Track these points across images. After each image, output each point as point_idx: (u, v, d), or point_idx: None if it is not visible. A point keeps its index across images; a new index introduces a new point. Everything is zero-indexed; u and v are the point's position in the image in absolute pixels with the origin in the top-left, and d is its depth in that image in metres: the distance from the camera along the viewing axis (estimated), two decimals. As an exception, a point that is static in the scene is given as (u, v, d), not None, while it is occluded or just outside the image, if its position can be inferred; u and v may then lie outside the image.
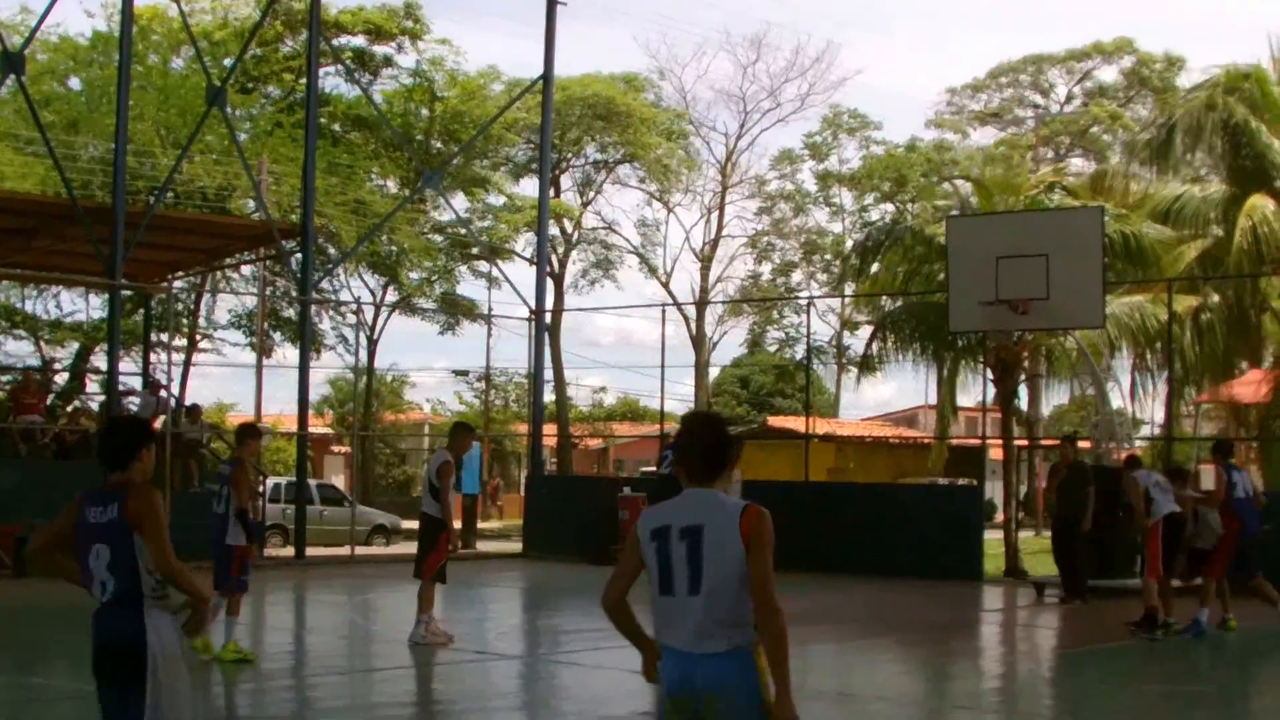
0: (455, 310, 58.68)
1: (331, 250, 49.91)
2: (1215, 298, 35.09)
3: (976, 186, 35.18)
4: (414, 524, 20.46)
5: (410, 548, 20.71)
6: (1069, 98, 77.90)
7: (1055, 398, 44.17)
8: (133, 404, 31.82)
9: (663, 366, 34.95)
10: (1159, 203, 34.84)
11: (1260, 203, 31.13)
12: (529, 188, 59.56)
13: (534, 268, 40.84)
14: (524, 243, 59.49)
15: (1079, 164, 68.21)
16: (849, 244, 67.97)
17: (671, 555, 6.08)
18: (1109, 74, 76.93)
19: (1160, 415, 40.57)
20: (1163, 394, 37.51)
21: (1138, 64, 75.04)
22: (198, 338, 52.15)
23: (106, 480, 7.41)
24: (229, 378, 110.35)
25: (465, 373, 70.21)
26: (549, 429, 43.45)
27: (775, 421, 59.80)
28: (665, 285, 69.88)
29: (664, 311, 39.55)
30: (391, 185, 55.56)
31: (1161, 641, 18.33)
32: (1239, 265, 31.46)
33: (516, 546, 35.64)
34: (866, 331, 67.44)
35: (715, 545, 6.05)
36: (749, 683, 6.03)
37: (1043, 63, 77.42)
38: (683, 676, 6.02)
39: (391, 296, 57.29)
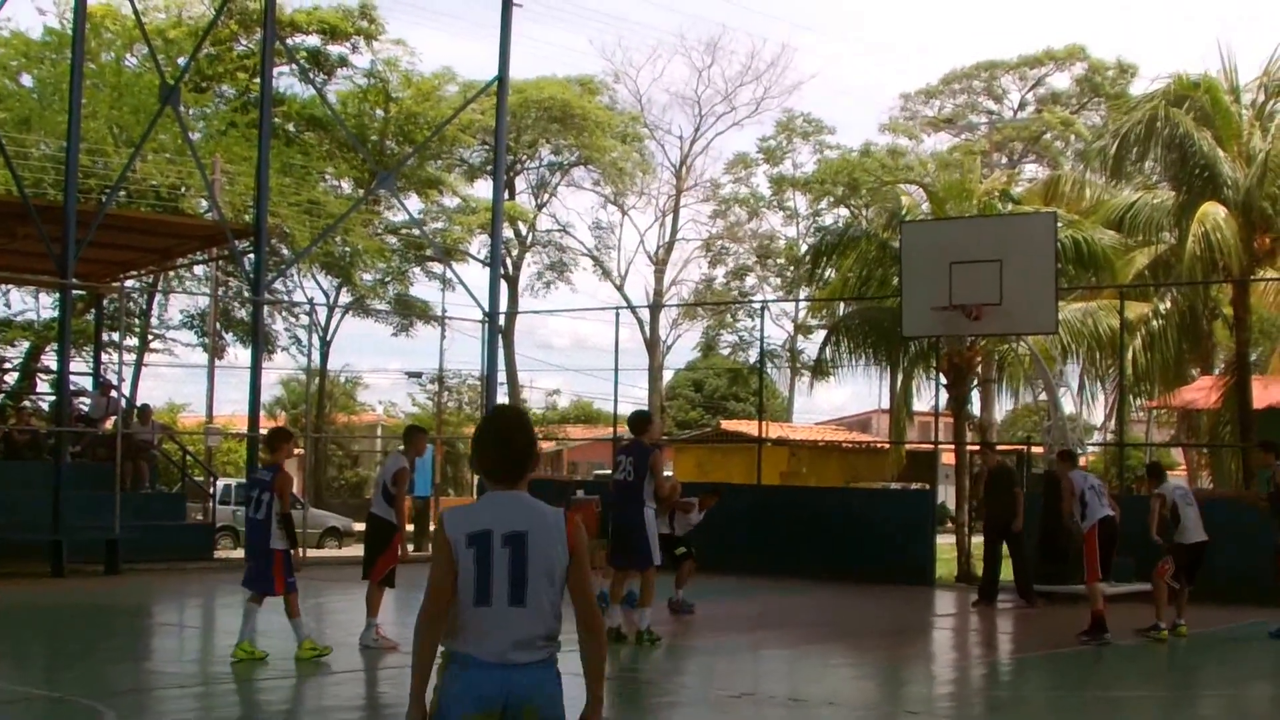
0: (409, 312, 58.65)
1: (285, 251, 49.73)
2: (1167, 304, 35.23)
3: (929, 192, 35.25)
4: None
5: (361, 550, 20.58)
6: (1022, 104, 78.28)
7: (1008, 403, 44.27)
8: (84, 404, 31.66)
9: (616, 370, 34.81)
10: (1112, 210, 34.98)
11: (1212, 210, 31.25)
12: (483, 190, 59.68)
13: (488, 270, 40.78)
14: (478, 245, 59.56)
15: (1032, 170, 68.62)
16: (803, 248, 68.18)
17: (493, 563, 5.75)
18: (1062, 81, 77.48)
19: (1112, 421, 40.75)
20: (1114, 400, 37.70)
21: (1090, 71, 75.48)
22: (150, 338, 51.93)
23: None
24: (181, 378, 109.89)
25: (419, 375, 70.09)
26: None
27: (729, 425, 59.87)
28: (619, 288, 70.07)
29: (618, 314, 39.51)
30: (345, 186, 55.48)
31: (1111, 647, 18.38)
32: (1191, 272, 31.60)
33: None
34: (820, 336, 67.93)
35: (541, 554, 5.79)
36: (559, 693, 5.83)
37: (996, 69, 77.77)
38: (495, 689, 5.70)
39: (345, 298, 57.22)
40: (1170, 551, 19.37)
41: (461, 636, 5.77)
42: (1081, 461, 30.97)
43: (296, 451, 64.95)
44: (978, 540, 27.05)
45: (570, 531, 5.86)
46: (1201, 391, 37.38)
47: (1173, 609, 19.55)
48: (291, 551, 15.82)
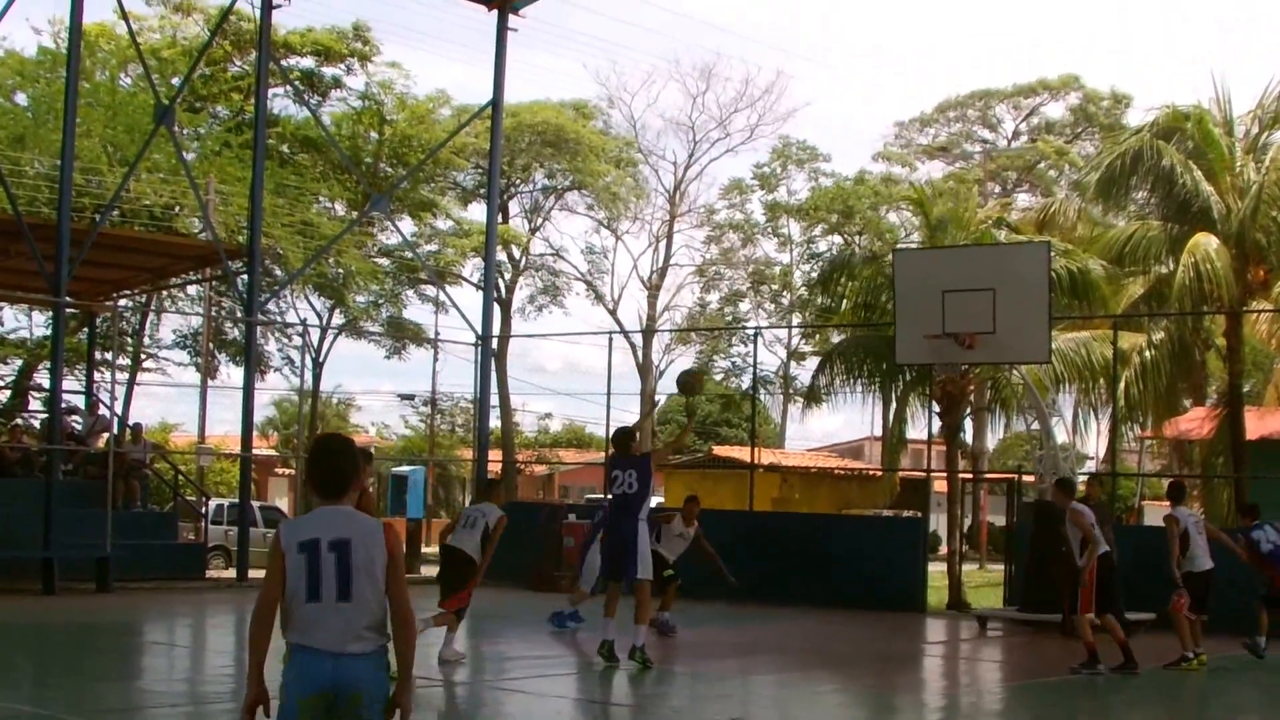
0: (402, 334, 58.60)
1: (278, 271, 49.72)
2: (1160, 335, 35.27)
3: (924, 218, 35.29)
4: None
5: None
6: (1016, 133, 78.41)
7: (1000, 431, 44.32)
8: (76, 422, 31.63)
9: (609, 394, 34.68)
10: (1105, 240, 35.02)
11: (1204, 241, 31.31)
12: (477, 213, 59.58)
13: (481, 293, 40.76)
14: (471, 268, 59.48)
15: (1025, 199, 68.59)
16: (796, 275, 68.27)
17: (321, 565, 6.57)
18: (1056, 110, 77.64)
19: (1104, 449, 40.81)
20: (1107, 430, 37.74)
21: (1084, 100, 75.64)
22: (142, 357, 51.91)
23: None
24: (173, 398, 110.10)
25: (411, 397, 70.18)
26: (494, 454, 43.31)
27: (721, 451, 59.78)
28: (612, 313, 70.02)
29: (610, 339, 39.37)
30: (339, 208, 55.46)
31: (1105, 678, 18.34)
32: (1181, 302, 31.64)
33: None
34: (813, 362, 67.96)
35: (363, 557, 6.62)
36: (383, 680, 6.60)
37: (990, 98, 77.94)
38: (325, 675, 6.50)
39: (338, 319, 57.17)
40: (1183, 582, 19.32)
41: (298, 629, 6.60)
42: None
43: (287, 472, 64.95)
44: (969, 568, 27.01)
45: (388, 538, 6.72)
46: (1195, 422, 37.43)
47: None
48: None
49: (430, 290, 56.36)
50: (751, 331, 63.38)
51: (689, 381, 20.08)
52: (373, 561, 6.63)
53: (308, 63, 54.22)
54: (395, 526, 6.79)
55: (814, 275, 36.95)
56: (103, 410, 33.69)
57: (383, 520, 6.83)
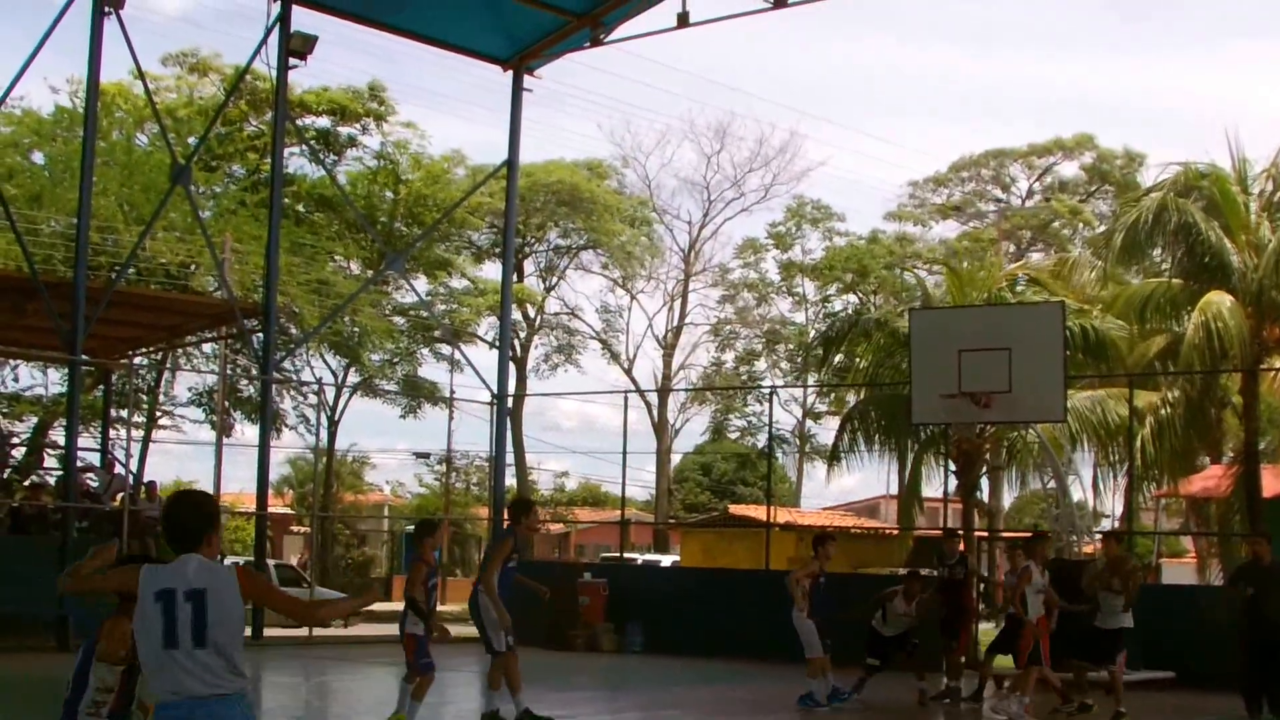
0: (417, 393, 58.59)
1: (293, 330, 49.75)
2: (1176, 393, 35.18)
3: (949, 275, 35.30)
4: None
5: (367, 630, 20.34)
6: (1030, 192, 78.41)
7: (1016, 489, 44.21)
8: (91, 480, 31.64)
9: (624, 453, 34.72)
10: (1126, 297, 34.93)
11: (1216, 299, 31.28)
12: (492, 271, 59.65)
13: (496, 352, 40.79)
14: (486, 326, 59.50)
15: (1039, 258, 68.59)
16: (812, 334, 68.22)
17: (177, 614, 6.85)
18: (1070, 169, 77.60)
19: (1120, 509, 40.67)
20: (1123, 488, 37.62)
21: (1098, 159, 75.64)
22: (158, 415, 51.93)
23: None
24: (188, 455, 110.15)
25: (426, 455, 70.03)
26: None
27: (737, 509, 59.59)
28: (628, 371, 70.02)
29: (626, 398, 39.48)
30: (354, 266, 55.57)
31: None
32: (1190, 361, 31.55)
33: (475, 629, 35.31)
34: (828, 421, 67.88)
35: (219, 605, 6.91)
36: (248, 719, 7.01)
37: (1004, 157, 77.94)
38: (186, 717, 6.76)
39: (353, 378, 57.17)
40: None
41: (157, 678, 6.88)
42: (1089, 548, 30.92)
43: (302, 530, 64.79)
44: (985, 626, 26.88)
45: (242, 580, 7.08)
46: (1211, 480, 37.30)
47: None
48: (425, 634, 16.29)
49: (445, 349, 56.34)
50: (767, 390, 63.44)
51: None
52: (229, 608, 6.95)
53: (324, 122, 54.44)
54: (247, 566, 6.92)
55: (828, 334, 36.85)
56: (118, 469, 33.67)
57: (235, 564, 7.14)
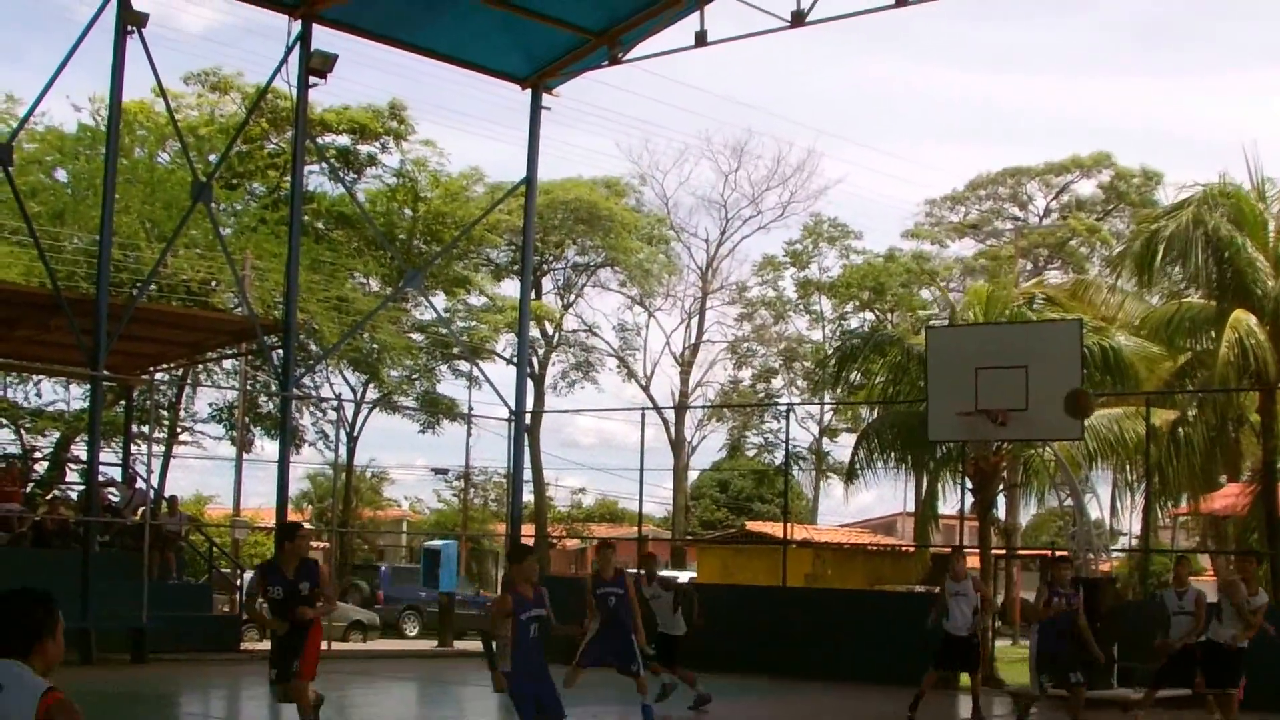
0: (435, 409, 58.79)
1: (313, 346, 49.99)
2: (1194, 411, 35.19)
3: (970, 292, 35.36)
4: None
5: (385, 644, 20.43)
6: (1047, 211, 78.40)
7: (1033, 507, 44.26)
8: (112, 494, 31.82)
9: (641, 469, 34.80)
10: (1156, 318, 34.74)
11: (1244, 317, 31.28)
12: (510, 289, 59.89)
13: (514, 368, 40.95)
14: (504, 343, 59.67)
15: (1056, 276, 68.61)
16: (829, 351, 68.32)
17: None
18: (1087, 188, 77.56)
19: (1138, 527, 40.70)
20: (1140, 506, 37.61)
21: (1115, 178, 75.59)
22: (178, 430, 52.17)
23: None
24: (209, 470, 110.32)
25: (444, 471, 70.25)
26: (527, 529, 43.41)
27: (753, 526, 59.69)
28: (645, 388, 70.14)
29: (644, 415, 39.57)
30: (374, 283, 55.80)
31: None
32: (1224, 379, 31.53)
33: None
34: (845, 438, 67.94)
35: (8, 714, 6.03)
36: None
37: (1021, 175, 77.89)
38: None
39: (372, 394, 57.36)
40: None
41: None
42: (1105, 566, 30.94)
43: (321, 545, 65.11)
44: (1002, 644, 26.94)
45: (43, 708, 6.02)
46: (1229, 498, 37.31)
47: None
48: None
49: (464, 365, 56.55)
50: (784, 408, 63.55)
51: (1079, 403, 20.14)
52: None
53: (344, 140, 54.74)
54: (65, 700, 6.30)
55: (844, 350, 36.94)
56: (139, 484, 33.85)
57: (57, 696, 6.19)
